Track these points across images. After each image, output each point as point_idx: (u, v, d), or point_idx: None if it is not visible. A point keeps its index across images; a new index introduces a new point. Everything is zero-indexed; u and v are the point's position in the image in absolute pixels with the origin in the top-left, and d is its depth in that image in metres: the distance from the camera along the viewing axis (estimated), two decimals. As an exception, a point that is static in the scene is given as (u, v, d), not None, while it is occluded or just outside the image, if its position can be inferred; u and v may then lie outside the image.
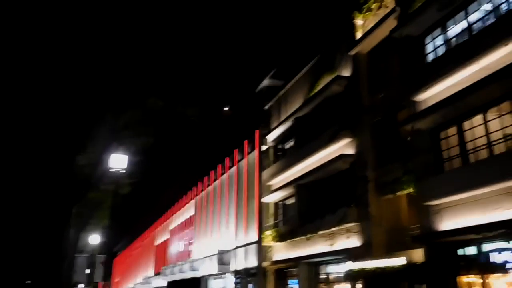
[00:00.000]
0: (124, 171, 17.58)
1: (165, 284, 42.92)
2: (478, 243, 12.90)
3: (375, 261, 15.84)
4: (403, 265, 14.49)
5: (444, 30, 15.16)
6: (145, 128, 26.09)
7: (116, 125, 23.84)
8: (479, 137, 13.25)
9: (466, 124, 13.75)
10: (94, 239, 32.45)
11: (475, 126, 13.44)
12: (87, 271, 23.21)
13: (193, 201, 38.65)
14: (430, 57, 15.66)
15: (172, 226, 45.02)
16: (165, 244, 46.89)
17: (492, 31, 12.59)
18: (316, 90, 22.54)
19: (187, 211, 40.23)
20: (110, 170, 17.48)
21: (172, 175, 52.76)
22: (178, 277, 37.03)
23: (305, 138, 23.01)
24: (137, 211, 67.59)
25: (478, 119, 13.35)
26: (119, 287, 78.20)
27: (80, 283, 33.22)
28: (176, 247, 42.13)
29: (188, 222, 39.05)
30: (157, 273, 46.36)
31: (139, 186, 39.96)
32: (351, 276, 17.21)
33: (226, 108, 38.82)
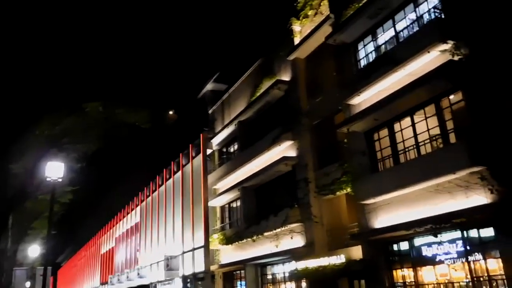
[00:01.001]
0: (60, 180, 16.86)
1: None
2: (409, 238, 13.72)
3: (317, 259, 16.39)
4: (342, 263, 15.11)
5: (375, 38, 15.96)
6: (85, 134, 25.27)
7: (54, 130, 22.91)
8: (408, 138, 14.07)
9: (396, 127, 14.57)
10: (34, 250, 30.92)
11: (404, 128, 14.25)
12: (27, 284, 22.09)
13: (138, 208, 37.92)
14: (363, 62, 16.42)
15: (117, 234, 43.90)
16: (111, 252, 45.65)
17: (416, 39, 13.41)
18: (258, 94, 22.90)
19: (132, 218, 39.41)
20: (47, 179, 16.73)
21: (116, 182, 51.36)
22: (125, 285, 36.22)
23: (248, 142, 23.33)
24: (80, 220, 65.24)
25: (406, 121, 14.18)
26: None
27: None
28: (122, 255, 41.15)
29: (134, 229, 38.27)
30: (104, 283, 45.07)
31: (81, 194, 38.52)
32: (295, 276, 17.69)
33: (171, 112, 38.37)
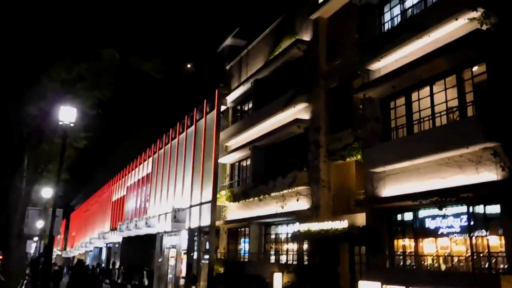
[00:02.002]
0: (72, 124, 16.92)
1: (119, 239, 43.13)
2: (414, 209, 13.60)
3: (321, 223, 16.45)
4: (344, 228, 15.13)
5: (402, 0, 15.29)
6: (99, 80, 25.23)
7: (69, 75, 22.74)
8: (424, 109, 13.70)
9: (414, 96, 14.16)
10: (47, 192, 31.68)
11: (421, 98, 13.85)
12: (40, 224, 22.78)
13: (150, 159, 38.37)
14: (387, 27, 15.83)
15: (129, 183, 44.73)
16: (121, 200, 46.70)
17: (445, 4, 12.80)
18: (276, 53, 22.44)
19: (144, 169, 39.97)
20: (59, 122, 16.80)
21: (130, 131, 51.87)
22: (133, 233, 37.18)
23: (263, 101, 23.08)
24: (94, 167, 66.61)
25: (425, 91, 13.76)
26: (75, 241, 77.99)
27: (33, 235, 32.72)
28: (132, 204, 42.06)
29: (145, 180, 38.89)
30: (113, 229, 46.39)
31: (95, 141, 39.04)
32: (298, 237, 17.85)
33: (189, 65, 38.03)
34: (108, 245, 51.07)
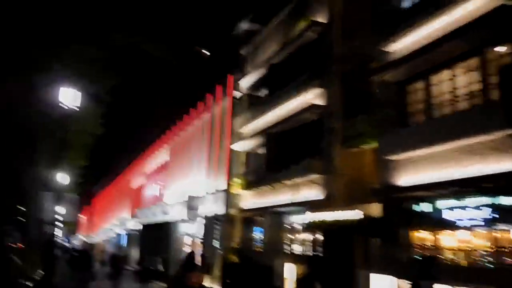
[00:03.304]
0: (77, 108, 16.73)
1: (139, 226, 43.41)
2: (432, 200, 12.81)
3: (335, 213, 15.83)
4: (359, 219, 14.48)
5: (421, -23, 14.28)
6: (112, 66, 24.91)
7: (81, 60, 22.53)
8: (444, 93, 12.83)
9: (433, 79, 13.27)
10: (64, 178, 31.82)
11: (441, 82, 12.97)
12: (59, 209, 22.97)
13: (166, 146, 38.26)
14: (404, 5, 14.86)
15: (147, 170, 44.88)
16: (140, 187, 46.97)
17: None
18: (291, 36, 21.65)
19: (162, 155, 39.94)
20: (60, 104, 16.57)
21: (147, 117, 51.86)
22: (151, 220, 37.34)
23: (277, 86, 22.37)
24: (114, 152, 67.17)
25: (445, 74, 12.86)
26: (97, 227, 79.37)
27: (52, 221, 33.08)
28: (150, 191, 42.21)
29: (162, 167, 38.87)
30: (132, 216, 46.78)
31: (113, 128, 39.13)
32: (311, 227, 17.30)
33: (203, 50, 37.42)
34: (128, 232, 51.65)
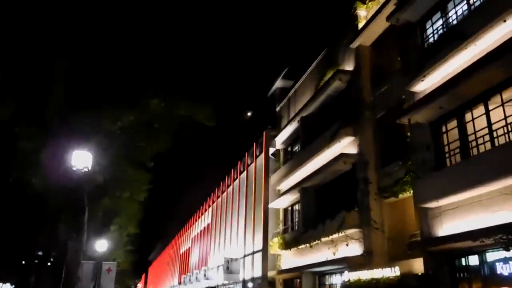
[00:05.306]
0: (87, 170, 16.76)
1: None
2: (480, 252, 11.14)
3: (372, 271, 14.24)
4: (397, 276, 12.85)
5: (444, 13, 13.55)
6: (151, 131, 25.36)
7: (115, 127, 23.06)
8: (480, 129, 11.53)
9: (467, 117, 12.06)
10: (102, 245, 31.67)
11: (476, 118, 11.73)
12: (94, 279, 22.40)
13: (210, 209, 37.84)
14: (429, 44, 14.05)
15: (193, 235, 44.40)
16: (187, 252, 46.30)
17: (489, 6, 10.94)
18: (321, 87, 21.18)
19: (206, 219, 39.47)
20: (73, 168, 16.68)
21: (191, 181, 52.21)
22: (194, 286, 36.18)
23: (310, 139, 21.64)
24: (164, 220, 67.65)
25: (479, 109, 11.64)
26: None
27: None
28: (196, 255, 41.39)
29: (206, 230, 38.23)
30: (179, 283, 45.80)
31: (159, 194, 39.48)
32: (347, 287, 15.63)
33: (245, 112, 37.81)
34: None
